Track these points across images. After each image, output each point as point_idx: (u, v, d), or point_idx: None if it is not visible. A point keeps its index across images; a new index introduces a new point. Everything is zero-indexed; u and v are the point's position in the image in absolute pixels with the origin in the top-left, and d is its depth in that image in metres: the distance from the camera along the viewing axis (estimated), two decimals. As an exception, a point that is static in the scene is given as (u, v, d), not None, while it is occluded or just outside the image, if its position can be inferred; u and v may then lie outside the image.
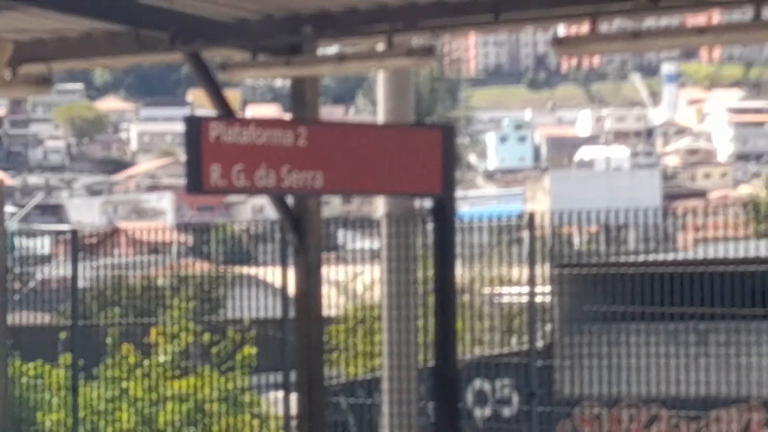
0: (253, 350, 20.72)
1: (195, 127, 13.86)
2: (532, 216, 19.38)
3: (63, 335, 20.43)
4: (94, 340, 21.07)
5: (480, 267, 19.65)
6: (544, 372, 19.69)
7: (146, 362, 21.01)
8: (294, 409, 18.19)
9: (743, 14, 15.53)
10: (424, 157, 15.36)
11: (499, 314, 20.78)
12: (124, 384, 20.53)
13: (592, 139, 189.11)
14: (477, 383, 21.39)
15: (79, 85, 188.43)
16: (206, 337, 21.51)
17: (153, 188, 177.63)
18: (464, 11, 16.55)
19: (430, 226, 16.22)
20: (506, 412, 21.47)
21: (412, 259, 18.19)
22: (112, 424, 20.12)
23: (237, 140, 14.20)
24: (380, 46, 16.98)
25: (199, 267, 23.59)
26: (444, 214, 15.68)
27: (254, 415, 20.95)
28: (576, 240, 23.87)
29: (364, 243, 24.47)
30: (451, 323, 15.52)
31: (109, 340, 20.92)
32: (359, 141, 15.63)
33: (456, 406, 16.31)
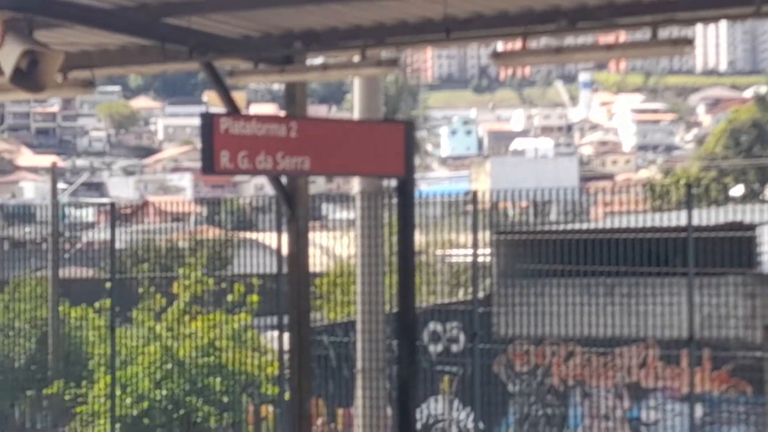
0: (255, 298, 20.75)
1: (209, 121, 13.92)
2: (475, 194, 19.34)
3: (107, 285, 20.50)
4: (128, 290, 21.07)
5: (434, 234, 19.67)
6: (485, 317, 19.63)
7: (169, 307, 21.11)
8: (286, 345, 18.24)
9: (643, 34, 15.62)
10: (390, 146, 15.47)
11: (449, 271, 20.76)
12: (151, 324, 20.60)
13: (524, 133, 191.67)
14: (431, 325, 21.40)
15: (116, 88, 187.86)
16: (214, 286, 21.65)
17: (175, 170, 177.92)
18: (422, 30, 16.56)
19: (394, 201, 16.26)
20: (454, 348, 21.52)
21: (380, 227, 18.21)
22: (142, 357, 20.15)
23: (242, 132, 14.24)
24: (356, 58, 17.02)
25: (212, 232, 23.60)
26: (405, 191, 15.79)
27: (255, 350, 20.94)
28: (510, 212, 24.00)
29: (342, 214, 24.55)
30: (410, 278, 15.66)
31: (140, 290, 20.99)
32: (339, 133, 15.81)
33: (414, 343, 16.52)
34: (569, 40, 16.48)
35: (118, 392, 19.74)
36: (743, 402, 19.66)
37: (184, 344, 20.21)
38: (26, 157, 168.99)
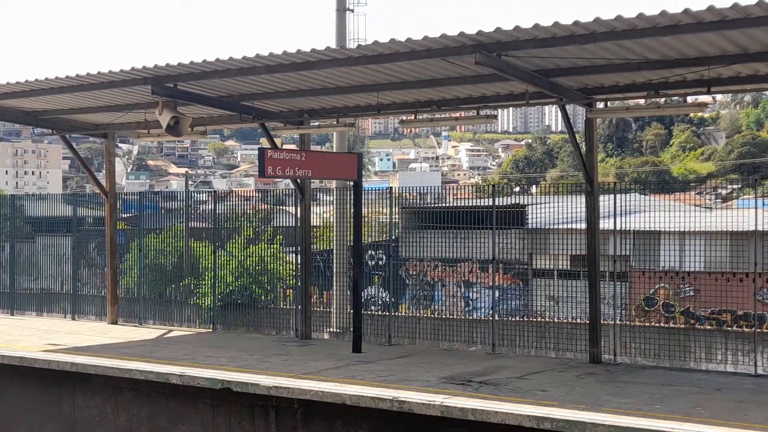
0: (280, 238, 20.40)
1: (262, 152, 14.02)
2: (391, 189, 18.93)
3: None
4: (222, 233, 20.66)
5: (371, 207, 19.26)
6: (395, 248, 19.15)
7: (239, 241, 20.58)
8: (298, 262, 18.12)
9: (473, 113, 15.76)
10: (350, 165, 15.48)
11: (379, 225, 20.29)
12: (232, 249, 20.30)
13: (415, 161, 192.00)
14: (370, 252, 20.96)
15: (217, 135, 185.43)
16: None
17: (246, 176, 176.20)
18: (366, 109, 16.68)
19: (352, 192, 16.04)
20: (380, 263, 21.06)
21: (345, 204, 17.80)
22: (228, 265, 20.02)
23: (278, 157, 14.43)
24: (333, 122, 17.16)
25: (264, 206, 22.87)
26: (358, 187, 15.70)
27: (284, 262, 20.76)
28: (408, 198, 23.57)
29: (327, 197, 24.11)
30: (359, 227, 15.47)
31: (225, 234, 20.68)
32: (326, 158, 15.93)
33: (361, 261, 16.29)
34: (439, 115, 16.62)
35: (217, 283, 19.70)
36: (518, 290, 19.66)
37: (248, 259, 20.12)
38: (173, 168, 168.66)
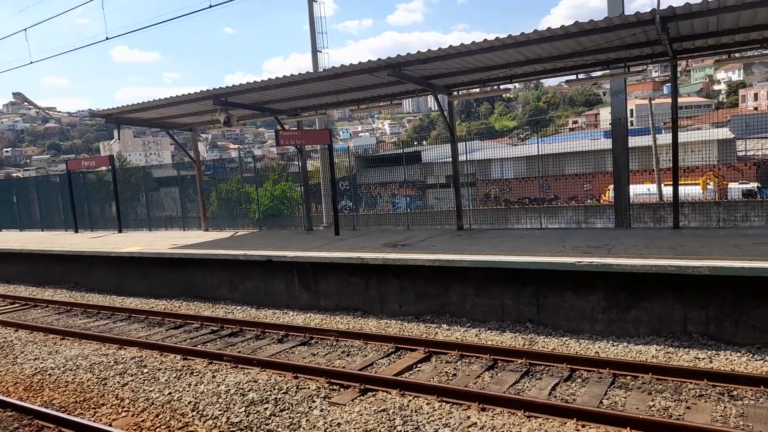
0: (291, 178, 20.05)
1: (277, 132, 13.70)
2: (349, 147, 18.91)
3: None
4: (259, 179, 20.34)
5: (340, 159, 19.12)
6: (354, 178, 18.98)
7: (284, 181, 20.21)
8: (302, 191, 17.81)
9: (388, 102, 15.32)
10: (325, 136, 15.06)
11: (344, 168, 20.44)
12: (266, 186, 19.93)
13: (361, 132, 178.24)
14: (340, 183, 20.87)
15: (253, 125, 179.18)
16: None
17: (272, 147, 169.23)
18: (331, 105, 16.22)
19: (327, 151, 15.68)
20: (346, 187, 21.09)
21: (325, 159, 17.44)
22: (264, 196, 19.66)
23: (286, 134, 14.09)
24: (314, 113, 16.74)
25: (281, 162, 22.80)
26: (330, 149, 15.34)
27: (294, 192, 20.47)
28: (358, 152, 23.57)
29: (315, 155, 23.61)
30: (333, 169, 15.06)
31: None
32: (312, 133, 15.45)
33: (335, 187, 15.87)
34: (371, 105, 16.19)
35: (260, 205, 19.27)
36: (419, 196, 19.75)
37: (275, 191, 19.67)
38: (231, 145, 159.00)
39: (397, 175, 17.41)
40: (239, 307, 12.55)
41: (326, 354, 8.82)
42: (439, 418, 5.93)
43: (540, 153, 14.13)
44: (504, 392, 6.47)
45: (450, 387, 6.53)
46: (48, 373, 8.73)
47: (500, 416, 5.95)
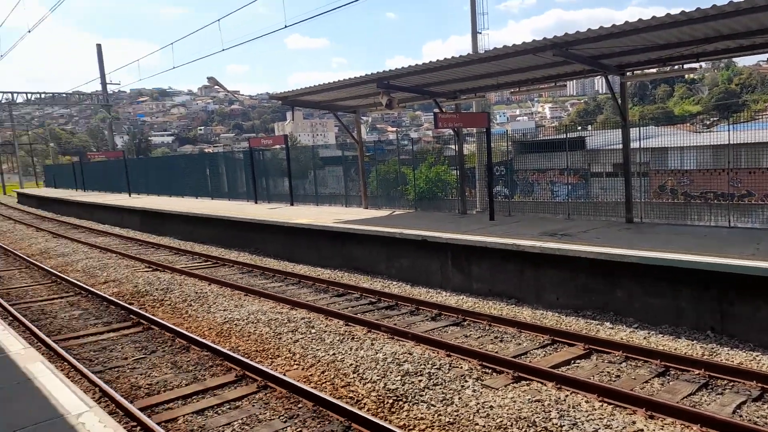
0: (447, 161, 19.70)
1: (436, 115, 13.55)
2: (506, 131, 17.72)
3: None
4: (415, 161, 20.40)
5: (496, 144, 18.32)
6: (511, 163, 18.29)
7: (429, 164, 20.22)
8: (458, 174, 17.50)
9: (552, 84, 14.53)
10: (483, 119, 14.54)
11: (500, 152, 19.72)
12: (422, 169, 20.03)
13: (519, 116, 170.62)
14: (496, 167, 20.20)
15: (410, 109, 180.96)
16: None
17: (428, 129, 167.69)
18: (490, 88, 15.74)
19: (485, 135, 15.14)
20: (502, 173, 20.38)
21: (482, 142, 16.99)
22: (420, 178, 19.73)
23: (444, 117, 13.87)
24: (472, 96, 16.23)
25: (437, 145, 22.58)
26: (488, 132, 14.64)
27: (449, 175, 20.23)
28: (516, 137, 21.83)
29: (471, 138, 22.70)
30: (490, 153, 14.68)
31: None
32: (470, 116, 15.12)
33: (492, 172, 15.34)
34: (532, 87, 15.43)
35: (416, 186, 19.43)
36: (582, 185, 18.54)
37: (431, 174, 19.74)
38: (389, 128, 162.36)
39: (558, 161, 16.42)
40: (395, 283, 13.08)
41: (478, 337, 8.86)
42: (600, 419, 5.64)
43: (731, 142, 12.33)
44: (677, 402, 5.91)
45: (614, 388, 6.17)
46: (234, 322, 10.07)
47: (671, 427, 5.49)
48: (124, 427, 5.71)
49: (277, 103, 20.33)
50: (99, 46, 49.50)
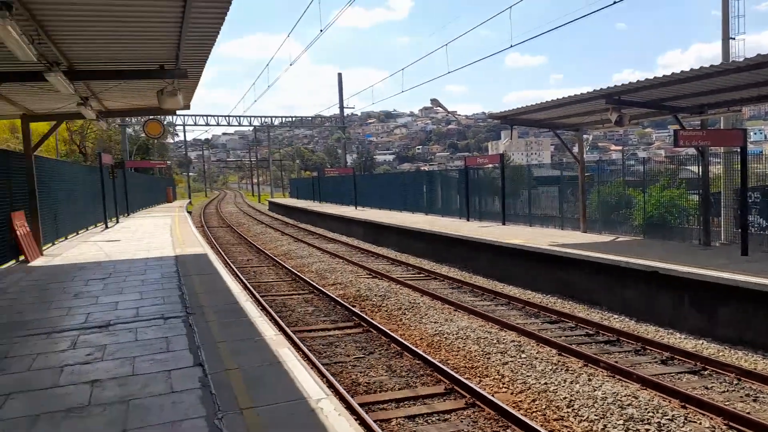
0: (685, 184, 17.50)
1: (676, 132, 12.01)
2: (761, 152, 15.03)
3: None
4: (644, 182, 18.46)
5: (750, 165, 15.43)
6: None
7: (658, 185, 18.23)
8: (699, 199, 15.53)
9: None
10: (738, 137, 12.58)
11: (755, 175, 16.57)
12: (652, 191, 18.03)
13: None
14: (749, 193, 17.23)
15: (639, 126, 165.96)
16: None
17: (659, 149, 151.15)
18: (748, 101, 13.50)
19: (738, 155, 12.95)
20: (756, 200, 17.28)
21: (730, 163, 14.79)
22: (649, 202, 17.89)
23: (686, 134, 12.29)
24: (725, 110, 14.18)
25: (672, 166, 20.15)
26: (744, 152, 12.66)
27: (686, 200, 17.96)
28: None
29: (715, 159, 20.17)
30: (745, 176, 12.53)
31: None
32: (719, 133, 13.16)
33: (746, 198, 13.14)
34: None
35: (644, 211, 17.68)
36: None
37: (662, 197, 17.53)
38: (612, 147, 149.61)
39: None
40: (615, 316, 11.94)
41: (723, 391, 7.56)
42: None
43: None
44: None
45: None
46: (444, 335, 10.35)
47: None
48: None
49: (491, 123, 20.68)
50: (340, 75, 56.41)
